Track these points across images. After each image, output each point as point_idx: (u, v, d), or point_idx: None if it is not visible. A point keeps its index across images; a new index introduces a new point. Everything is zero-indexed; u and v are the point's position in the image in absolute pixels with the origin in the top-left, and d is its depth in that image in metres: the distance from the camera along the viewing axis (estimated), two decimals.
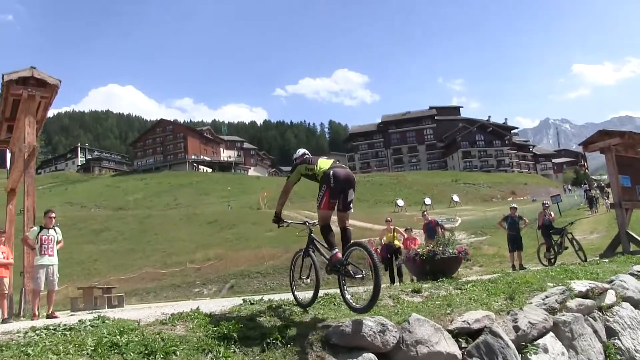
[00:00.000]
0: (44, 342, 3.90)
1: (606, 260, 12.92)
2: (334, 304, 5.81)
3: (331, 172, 5.25)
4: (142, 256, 42.26)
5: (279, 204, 5.90)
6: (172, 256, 39.80)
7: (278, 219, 5.83)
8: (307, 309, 5.49)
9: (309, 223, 5.83)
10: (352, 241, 5.32)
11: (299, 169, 5.71)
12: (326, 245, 5.26)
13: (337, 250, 5.06)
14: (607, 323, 7.46)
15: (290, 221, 6.07)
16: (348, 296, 5.17)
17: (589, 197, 34.09)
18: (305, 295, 5.81)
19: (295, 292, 5.79)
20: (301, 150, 6.03)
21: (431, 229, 15.27)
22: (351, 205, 5.44)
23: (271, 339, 4.41)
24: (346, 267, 5.05)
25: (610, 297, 7.91)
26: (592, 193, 35.29)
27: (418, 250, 10.66)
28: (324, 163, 5.48)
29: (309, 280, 5.75)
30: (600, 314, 7.56)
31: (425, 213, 16.63)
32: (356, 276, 5.03)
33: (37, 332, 4.30)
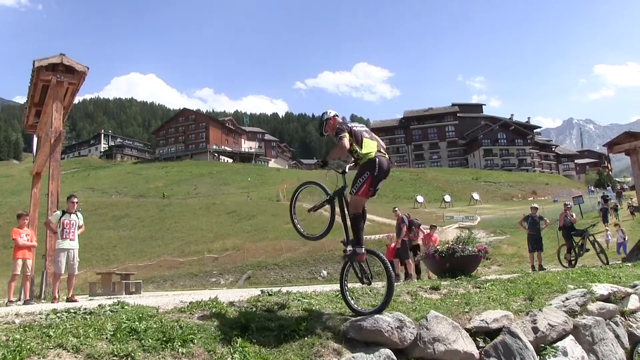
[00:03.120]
0: (65, 325, 3.94)
1: (629, 264, 12.70)
2: (352, 299, 5.78)
3: (377, 160, 5.04)
4: (161, 244, 42.71)
5: (331, 155, 5.26)
6: (190, 245, 40.17)
7: (324, 163, 5.27)
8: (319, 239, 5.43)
9: (345, 171, 5.39)
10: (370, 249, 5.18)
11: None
12: (351, 236, 5.11)
13: (364, 250, 4.97)
14: (629, 329, 7.32)
15: (330, 168, 5.39)
16: (348, 293, 5.15)
17: (603, 209, 29.78)
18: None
19: (295, 221, 5.56)
20: (333, 112, 5.49)
21: (397, 226, 14.45)
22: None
23: (288, 330, 4.41)
24: (362, 266, 5.11)
25: (633, 302, 7.77)
26: (608, 204, 31.24)
27: (437, 247, 10.58)
28: (369, 145, 5.12)
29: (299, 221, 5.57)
30: (622, 319, 7.43)
31: (395, 209, 15.66)
32: (364, 281, 5.14)
33: (58, 314, 4.35)
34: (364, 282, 5.17)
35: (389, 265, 4.91)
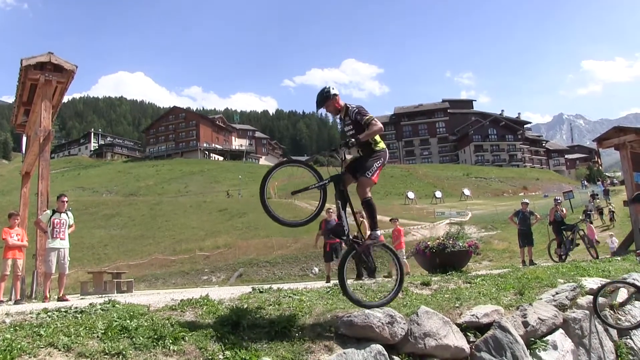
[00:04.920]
0: (56, 324, 3.94)
1: (618, 258, 12.82)
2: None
3: (386, 150, 5.29)
4: (152, 242, 42.52)
5: (366, 136, 5.08)
6: (182, 243, 40.01)
7: (357, 140, 5.02)
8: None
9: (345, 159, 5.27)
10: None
11: None
12: (360, 221, 5.29)
13: (380, 232, 5.07)
14: (618, 322, 7.40)
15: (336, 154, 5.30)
16: (349, 286, 5.08)
17: (587, 214, 25.53)
18: None
19: (267, 203, 4.89)
20: (337, 90, 5.29)
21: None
22: None
23: (280, 327, 4.42)
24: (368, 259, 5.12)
25: (622, 296, 7.84)
26: (594, 203, 30.18)
27: (428, 242, 10.61)
28: (379, 136, 5.30)
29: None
30: (612, 312, 7.50)
31: (329, 210, 14.14)
32: (367, 272, 5.17)
33: (49, 313, 4.35)
34: (367, 273, 5.23)
35: (399, 257, 5.09)
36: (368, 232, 5.06)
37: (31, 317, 4.22)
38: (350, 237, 5.08)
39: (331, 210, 13.24)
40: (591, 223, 26.83)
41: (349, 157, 5.27)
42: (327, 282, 11.14)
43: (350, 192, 5.20)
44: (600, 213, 30.40)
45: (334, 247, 12.63)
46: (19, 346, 3.38)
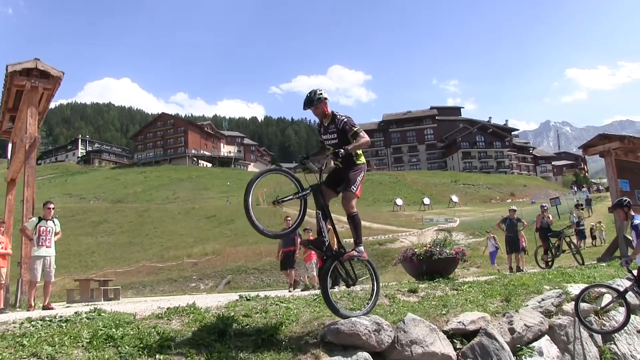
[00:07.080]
0: (40, 333, 3.91)
1: (604, 264, 12.91)
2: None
3: (366, 164, 5.29)
4: (140, 249, 42.27)
5: (355, 147, 5.04)
6: (170, 250, 39.82)
7: (347, 151, 4.92)
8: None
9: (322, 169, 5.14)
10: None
11: None
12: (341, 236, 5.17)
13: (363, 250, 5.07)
14: (603, 327, 7.46)
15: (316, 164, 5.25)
16: (333, 297, 4.91)
17: (579, 232, 23.00)
18: None
19: (252, 214, 4.86)
20: (326, 92, 5.22)
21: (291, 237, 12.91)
22: None
23: (266, 335, 4.41)
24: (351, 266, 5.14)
25: (606, 302, 7.91)
26: (573, 217, 25.54)
27: (415, 249, 10.62)
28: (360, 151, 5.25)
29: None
30: (596, 318, 7.56)
31: (287, 218, 13.74)
32: (349, 283, 5.18)
33: (32, 323, 4.30)
34: (349, 283, 5.19)
35: (376, 270, 5.09)
36: (353, 246, 5.06)
37: (14, 327, 4.17)
38: (332, 249, 5.05)
39: (289, 218, 13.35)
40: (584, 238, 25.02)
41: (330, 164, 5.21)
42: (290, 290, 11.66)
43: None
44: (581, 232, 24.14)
45: (287, 254, 13.24)
46: (1, 357, 3.34)
